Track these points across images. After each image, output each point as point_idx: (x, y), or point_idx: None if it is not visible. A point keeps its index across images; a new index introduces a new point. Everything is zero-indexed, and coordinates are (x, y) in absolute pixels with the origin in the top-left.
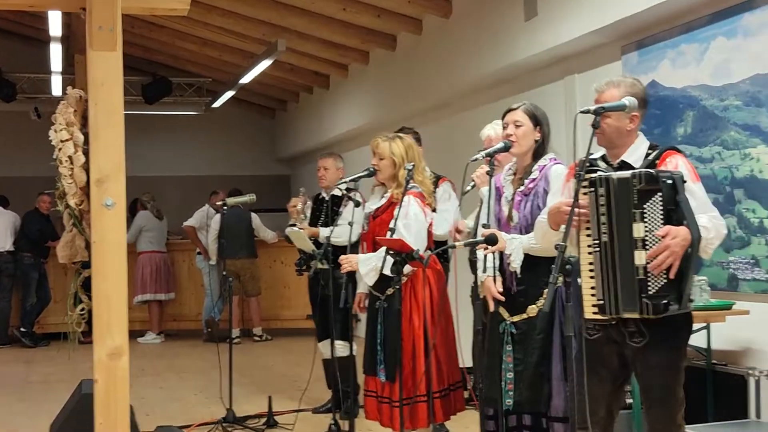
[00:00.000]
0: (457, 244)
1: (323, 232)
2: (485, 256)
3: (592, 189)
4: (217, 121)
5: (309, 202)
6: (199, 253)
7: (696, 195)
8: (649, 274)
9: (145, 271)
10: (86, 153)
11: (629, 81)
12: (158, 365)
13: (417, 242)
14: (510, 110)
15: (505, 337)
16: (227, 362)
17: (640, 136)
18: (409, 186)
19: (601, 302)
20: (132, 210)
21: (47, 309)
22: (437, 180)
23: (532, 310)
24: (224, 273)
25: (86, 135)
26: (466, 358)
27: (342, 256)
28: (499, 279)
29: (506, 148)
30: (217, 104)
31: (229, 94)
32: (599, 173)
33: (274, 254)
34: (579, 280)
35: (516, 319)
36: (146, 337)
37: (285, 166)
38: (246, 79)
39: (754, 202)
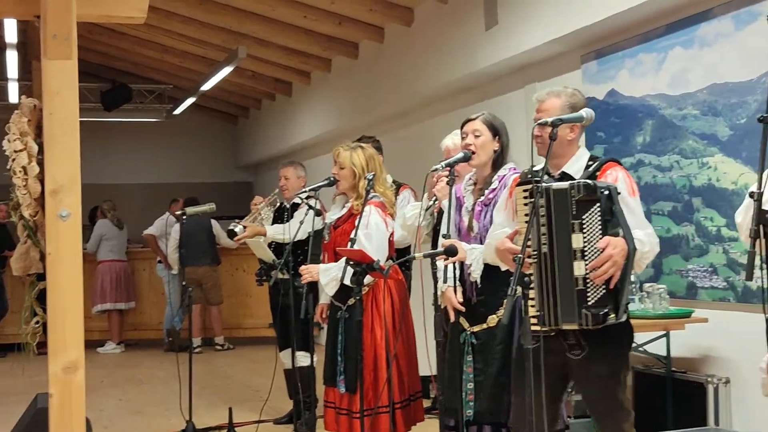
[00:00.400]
0: (417, 255)
1: (269, 230)
2: (445, 266)
3: (531, 199)
4: (178, 128)
5: (271, 207)
6: (159, 262)
7: (633, 210)
8: (588, 285)
9: (105, 280)
10: (41, 163)
11: (569, 91)
12: (118, 376)
13: (378, 252)
14: (468, 120)
15: (465, 347)
16: (187, 373)
17: (582, 148)
18: (370, 196)
19: (540, 313)
20: (92, 218)
21: (4, 320)
22: (398, 188)
23: (493, 320)
24: (184, 283)
25: (41, 145)
26: (432, 366)
27: (302, 267)
28: (459, 289)
29: (466, 159)
30: (178, 111)
31: (191, 100)
32: (539, 184)
33: (236, 262)
34: None
35: (476, 329)
36: (106, 347)
37: (247, 173)
38: (207, 86)
39: (711, 210)
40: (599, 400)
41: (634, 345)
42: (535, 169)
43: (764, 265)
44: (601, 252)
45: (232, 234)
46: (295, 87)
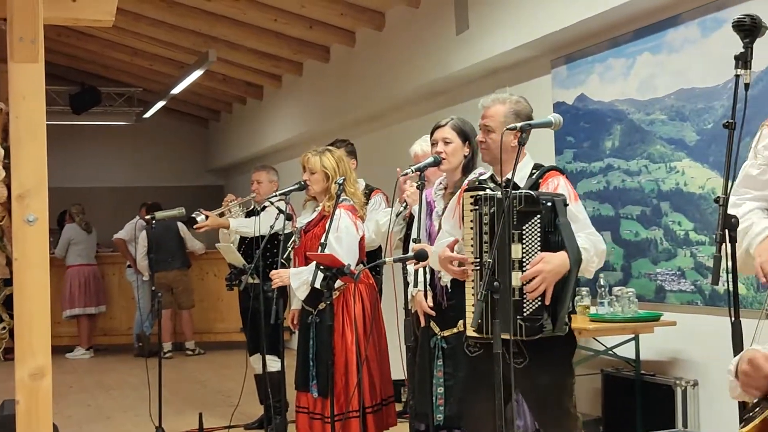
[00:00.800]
0: (387, 259)
1: (233, 223)
2: (416, 270)
3: (477, 207)
4: (148, 131)
5: (243, 208)
6: (129, 266)
7: (576, 216)
8: (524, 297)
9: (74, 285)
10: (7, 168)
11: (515, 99)
12: (87, 381)
13: (348, 256)
14: (438, 127)
15: (436, 351)
16: (157, 378)
17: (527, 156)
18: (341, 200)
19: (479, 321)
20: (61, 222)
21: None
22: (371, 192)
23: (463, 324)
24: (153, 288)
25: (7, 149)
26: (397, 371)
27: (273, 271)
28: (429, 293)
29: (436, 163)
30: (148, 114)
31: (161, 104)
32: (486, 192)
33: (206, 266)
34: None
35: (447, 333)
36: (75, 352)
37: (218, 176)
38: (177, 89)
39: (679, 214)
40: (544, 408)
41: (603, 348)
42: (482, 177)
43: (730, 270)
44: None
45: (192, 222)
46: (266, 90)
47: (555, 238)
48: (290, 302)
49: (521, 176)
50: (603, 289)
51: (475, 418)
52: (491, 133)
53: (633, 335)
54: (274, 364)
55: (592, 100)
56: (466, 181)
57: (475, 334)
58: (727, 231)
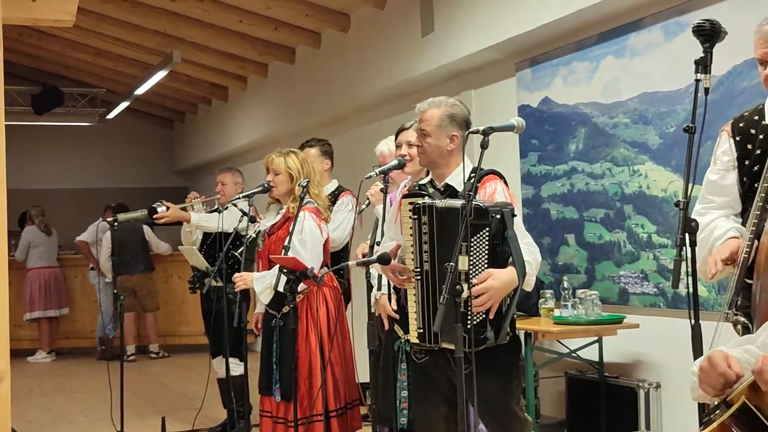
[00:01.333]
0: (350, 263)
1: (194, 216)
2: (380, 274)
3: (416, 217)
4: (112, 132)
5: (206, 207)
6: (92, 269)
7: (518, 234)
8: (469, 309)
9: (34, 288)
10: None
11: (450, 101)
12: (48, 385)
13: (312, 259)
14: (403, 129)
15: (400, 355)
16: (119, 381)
17: (466, 160)
18: (304, 202)
19: (421, 331)
20: (22, 224)
21: None
22: (340, 193)
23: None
24: (115, 292)
25: None
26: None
27: (236, 274)
28: (393, 297)
29: (400, 166)
30: (111, 115)
31: (124, 104)
32: (424, 201)
33: (170, 269)
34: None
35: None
36: (36, 355)
37: (183, 178)
38: (141, 90)
39: (642, 217)
40: (491, 413)
41: (567, 351)
42: (421, 181)
43: (690, 273)
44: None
45: (152, 212)
46: (232, 92)
47: (502, 249)
48: (254, 305)
49: (459, 181)
50: (567, 291)
51: (425, 424)
52: (427, 137)
53: (596, 338)
54: (237, 367)
55: (556, 103)
56: (403, 185)
57: (417, 341)
58: (687, 235)
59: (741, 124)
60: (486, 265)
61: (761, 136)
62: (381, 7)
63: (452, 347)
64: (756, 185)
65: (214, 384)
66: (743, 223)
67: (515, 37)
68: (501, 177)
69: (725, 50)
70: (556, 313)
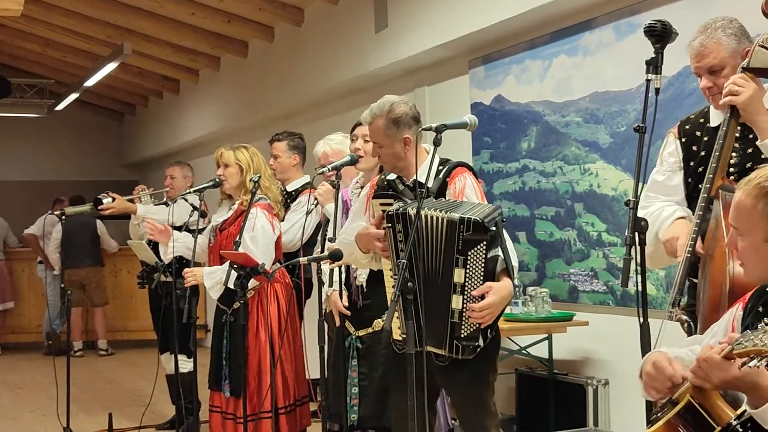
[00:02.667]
0: (301, 259)
1: (141, 208)
2: (331, 270)
3: (390, 225)
4: (61, 124)
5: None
6: (40, 262)
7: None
8: (462, 320)
9: None
10: None
11: (388, 105)
12: None
13: (264, 255)
14: (360, 124)
15: (351, 351)
16: (65, 377)
17: (429, 153)
18: (256, 198)
19: (403, 337)
20: None
21: None
22: (303, 190)
23: (378, 324)
24: (62, 286)
25: None
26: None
27: (186, 269)
28: (345, 293)
29: (352, 162)
30: (60, 107)
31: (74, 96)
32: (397, 207)
33: (119, 263)
34: None
35: (362, 333)
36: None
37: (133, 171)
38: (91, 82)
39: (592, 216)
40: (466, 404)
41: (517, 348)
42: (390, 177)
43: (639, 272)
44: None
45: (98, 203)
46: (183, 85)
47: (493, 257)
48: (204, 300)
49: (427, 175)
50: (517, 289)
51: (401, 415)
52: (381, 147)
53: (546, 335)
54: (185, 364)
55: (508, 101)
56: (355, 181)
57: (402, 338)
58: (636, 234)
59: (687, 127)
60: (482, 278)
61: (705, 139)
62: (335, 2)
63: (439, 351)
64: (700, 186)
65: (163, 380)
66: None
67: (468, 35)
68: (469, 168)
69: (676, 51)
70: (507, 310)
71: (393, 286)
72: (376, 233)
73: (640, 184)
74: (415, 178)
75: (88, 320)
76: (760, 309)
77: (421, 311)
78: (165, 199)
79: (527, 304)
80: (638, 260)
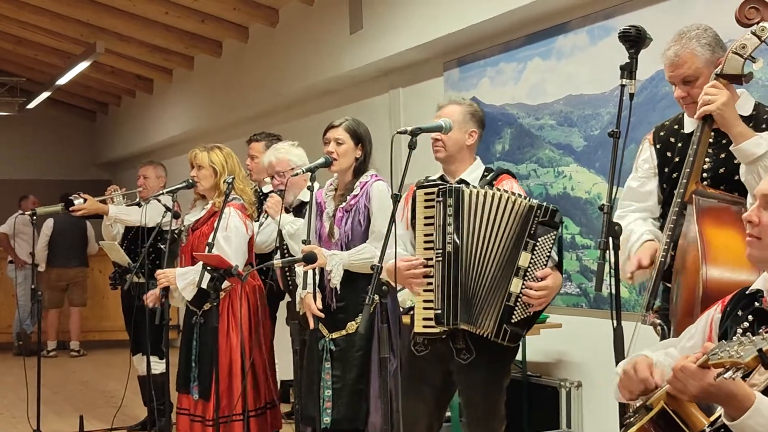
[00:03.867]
0: (275, 262)
1: (113, 209)
2: (305, 272)
3: (441, 199)
4: (32, 122)
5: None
6: (11, 262)
7: None
8: (517, 304)
9: None
10: None
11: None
12: None
13: (237, 256)
14: (331, 127)
15: (324, 354)
16: (36, 378)
17: (478, 159)
18: (230, 198)
19: (439, 311)
20: None
21: None
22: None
23: (352, 326)
24: (33, 287)
25: None
26: (287, 372)
27: (158, 271)
28: (318, 295)
29: (327, 164)
30: (32, 105)
31: (45, 95)
32: (448, 185)
33: (93, 263)
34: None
35: (336, 335)
36: None
37: (105, 170)
38: (63, 80)
39: (566, 218)
40: (479, 405)
41: None
42: (432, 177)
43: (613, 276)
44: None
45: (69, 203)
46: (157, 84)
47: (554, 254)
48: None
49: (473, 177)
50: None
51: (409, 417)
52: (448, 131)
53: None
54: (157, 366)
55: (483, 103)
56: (329, 183)
57: (426, 331)
58: (610, 238)
59: (662, 133)
60: (545, 266)
61: (680, 145)
62: (310, 3)
63: (471, 329)
64: (675, 192)
65: (135, 381)
66: (661, 228)
67: (443, 37)
68: (513, 176)
69: (650, 55)
70: None
71: (434, 270)
72: (413, 265)
73: (615, 189)
74: (461, 177)
75: (61, 321)
76: (739, 312)
77: (455, 286)
78: (138, 200)
79: None
80: (612, 265)
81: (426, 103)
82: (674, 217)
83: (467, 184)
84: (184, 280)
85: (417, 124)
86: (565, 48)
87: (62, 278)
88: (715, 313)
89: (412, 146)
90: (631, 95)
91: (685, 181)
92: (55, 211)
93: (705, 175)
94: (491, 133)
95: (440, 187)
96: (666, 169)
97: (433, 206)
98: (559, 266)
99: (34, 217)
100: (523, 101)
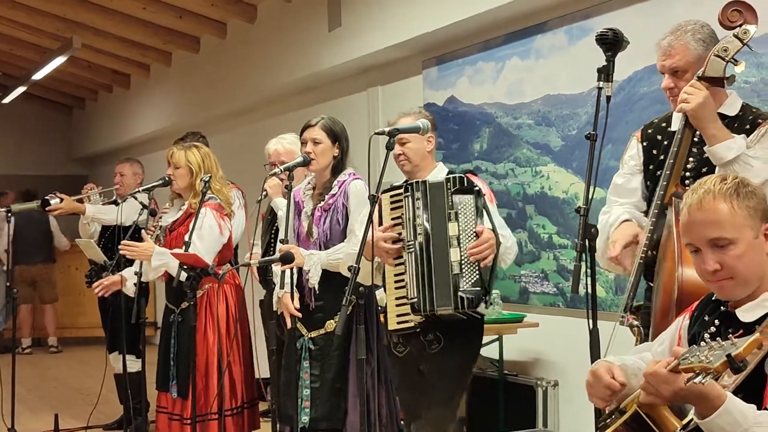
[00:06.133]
0: (252, 262)
1: (90, 209)
2: (282, 272)
3: (408, 193)
4: (7, 117)
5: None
6: None
7: (494, 214)
8: (463, 270)
9: None
10: None
11: (417, 109)
12: None
13: (208, 254)
14: (308, 126)
15: (303, 353)
16: (10, 375)
17: (440, 163)
18: (206, 197)
19: (415, 299)
20: None
21: None
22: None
23: (331, 325)
24: (8, 285)
25: None
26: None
27: (125, 242)
28: (297, 295)
29: (305, 163)
30: (7, 100)
31: (21, 89)
32: (413, 181)
33: (68, 260)
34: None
35: (314, 334)
36: None
37: (82, 166)
38: (39, 75)
39: (543, 218)
40: (441, 389)
41: None
42: (395, 184)
43: (590, 277)
44: (477, 236)
45: (46, 204)
46: (134, 80)
47: (482, 218)
48: (154, 298)
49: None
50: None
51: (415, 413)
52: (407, 142)
53: (497, 336)
54: (134, 364)
55: (461, 102)
56: (307, 182)
57: (400, 327)
58: (587, 241)
59: (650, 131)
60: (475, 227)
61: (665, 143)
62: (288, 0)
63: (448, 311)
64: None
65: (111, 379)
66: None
67: (422, 35)
68: (477, 175)
69: (627, 56)
70: None
71: (399, 262)
72: (386, 236)
73: (592, 190)
74: (426, 179)
75: (36, 317)
76: (706, 318)
77: (429, 275)
78: (114, 198)
79: None
80: (588, 266)
81: (405, 102)
82: (654, 219)
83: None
84: (159, 260)
85: (395, 126)
86: (544, 48)
87: (25, 275)
88: (683, 320)
89: (389, 147)
90: (608, 98)
91: (665, 183)
92: (30, 209)
93: (687, 174)
94: (469, 132)
95: (407, 183)
96: (651, 167)
97: (400, 206)
98: (494, 229)
99: (10, 214)
100: (501, 100)
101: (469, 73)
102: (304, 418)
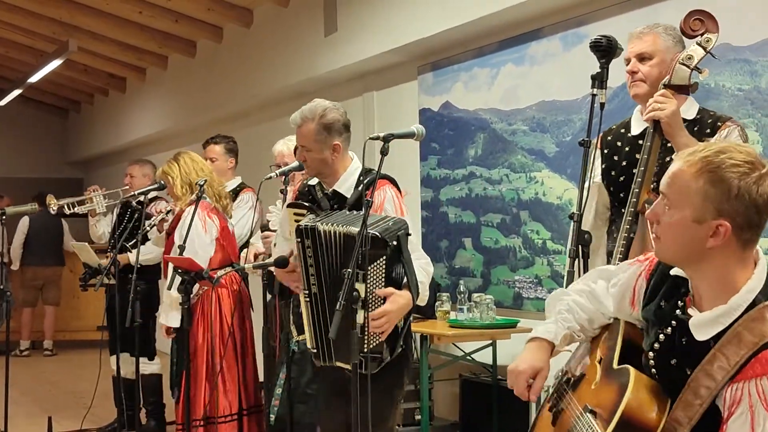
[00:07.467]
0: (247, 266)
1: (133, 259)
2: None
3: (299, 239)
4: (3, 120)
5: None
6: None
7: (411, 245)
8: (365, 333)
9: None
10: None
11: (320, 110)
12: None
13: (199, 254)
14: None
15: (290, 354)
16: (4, 378)
17: (354, 160)
18: (202, 200)
19: (315, 351)
20: None
21: None
22: (241, 189)
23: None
24: (1, 287)
25: None
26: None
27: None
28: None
29: (300, 168)
30: (3, 102)
31: (17, 92)
32: (306, 220)
33: (67, 262)
34: None
35: (300, 338)
36: None
37: (78, 169)
38: (36, 78)
39: (537, 223)
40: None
41: (462, 354)
42: (311, 182)
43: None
44: (383, 301)
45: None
46: (130, 83)
47: (398, 272)
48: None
49: (347, 186)
50: (462, 295)
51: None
52: (309, 152)
53: (491, 341)
54: (147, 366)
55: (456, 107)
56: (295, 187)
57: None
58: (580, 247)
59: (609, 138)
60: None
61: (627, 149)
62: (284, 5)
63: (347, 366)
64: (621, 194)
65: (105, 382)
66: (609, 231)
67: (417, 41)
68: (392, 181)
69: (620, 63)
70: (452, 316)
71: (306, 308)
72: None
73: (585, 197)
74: (333, 189)
75: (35, 320)
76: (663, 303)
77: (326, 326)
78: (120, 199)
79: (472, 310)
80: (581, 272)
81: (400, 107)
82: (627, 226)
83: (341, 197)
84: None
85: (391, 127)
86: (538, 54)
87: (38, 277)
88: (640, 279)
89: (384, 152)
90: (602, 104)
91: (637, 190)
92: (25, 211)
93: (654, 178)
94: (464, 138)
95: (298, 227)
96: (613, 173)
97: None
98: (409, 284)
99: (4, 217)
100: (496, 106)
101: (464, 79)
102: (272, 416)
